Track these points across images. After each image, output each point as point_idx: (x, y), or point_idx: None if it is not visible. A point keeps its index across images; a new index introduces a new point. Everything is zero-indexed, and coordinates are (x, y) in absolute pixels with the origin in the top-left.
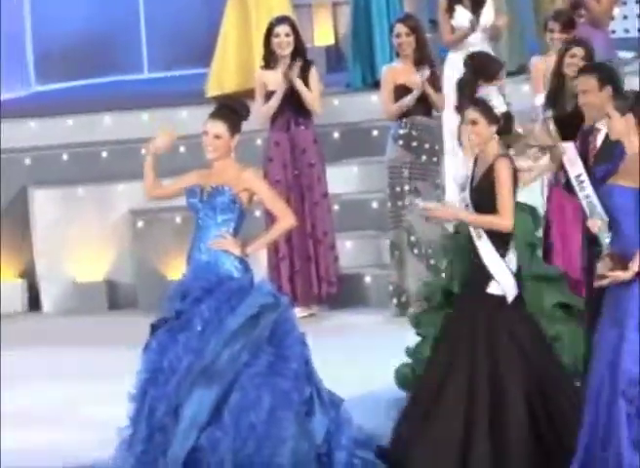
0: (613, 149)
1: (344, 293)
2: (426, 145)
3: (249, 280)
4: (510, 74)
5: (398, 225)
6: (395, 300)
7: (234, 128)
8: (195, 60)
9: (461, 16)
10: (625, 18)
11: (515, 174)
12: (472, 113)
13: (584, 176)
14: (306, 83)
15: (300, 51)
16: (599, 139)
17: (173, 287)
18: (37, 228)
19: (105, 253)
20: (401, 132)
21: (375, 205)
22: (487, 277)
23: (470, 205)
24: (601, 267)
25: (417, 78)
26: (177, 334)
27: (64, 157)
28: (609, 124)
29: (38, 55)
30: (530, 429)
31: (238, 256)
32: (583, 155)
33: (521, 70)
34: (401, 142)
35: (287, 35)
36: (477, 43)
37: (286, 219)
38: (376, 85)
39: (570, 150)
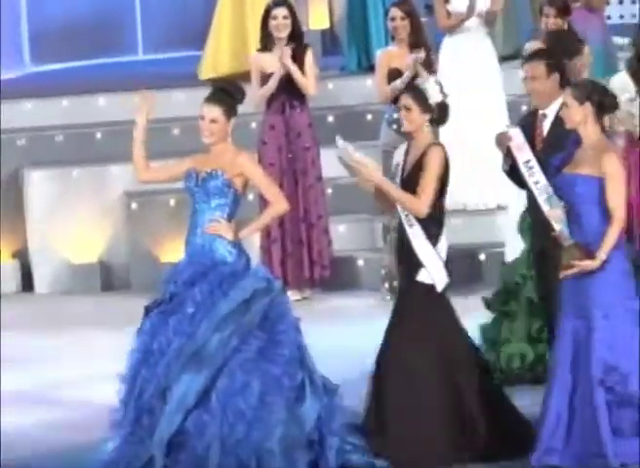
0: (561, 136)
1: (337, 277)
2: None
3: (243, 264)
4: (505, 59)
5: None
6: (387, 284)
7: (230, 111)
8: (190, 42)
9: (458, 1)
10: (621, 3)
11: (447, 163)
12: (406, 99)
13: (533, 162)
14: (303, 66)
15: (297, 34)
16: (545, 126)
17: (168, 269)
18: (31, 209)
19: (99, 235)
20: (395, 116)
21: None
22: (417, 265)
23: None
24: (566, 257)
25: (409, 59)
26: (168, 317)
27: (59, 138)
28: (565, 112)
29: (33, 35)
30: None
31: (232, 241)
32: (530, 141)
33: (516, 55)
34: (395, 126)
35: (284, 18)
36: (473, 28)
37: (278, 204)
38: (371, 69)
39: (517, 136)
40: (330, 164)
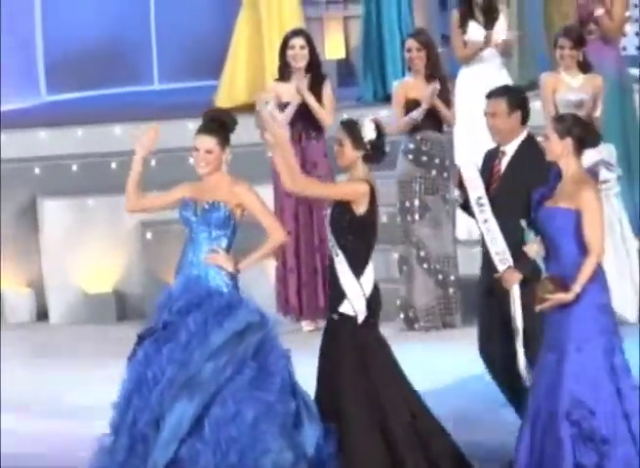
0: (519, 174)
1: None
2: (436, 160)
3: (237, 296)
4: None
5: (407, 240)
6: (402, 315)
7: (224, 141)
8: (206, 72)
9: (475, 31)
10: (637, 34)
11: (371, 199)
12: (339, 133)
13: (485, 200)
14: (320, 96)
15: (314, 64)
16: (504, 163)
17: (161, 297)
18: (46, 238)
19: (114, 264)
20: (411, 146)
21: (384, 219)
22: (341, 295)
23: (328, 225)
24: (540, 290)
25: (426, 90)
26: (162, 346)
27: (74, 167)
28: (546, 145)
29: (49, 65)
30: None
31: (228, 272)
32: (487, 178)
33: (532, 86)
34: (411, 157)
35: (302, 48)
36: (490, 58)
37: (276, 235)
38: (387, 99)
39: (471, 171)
40: None
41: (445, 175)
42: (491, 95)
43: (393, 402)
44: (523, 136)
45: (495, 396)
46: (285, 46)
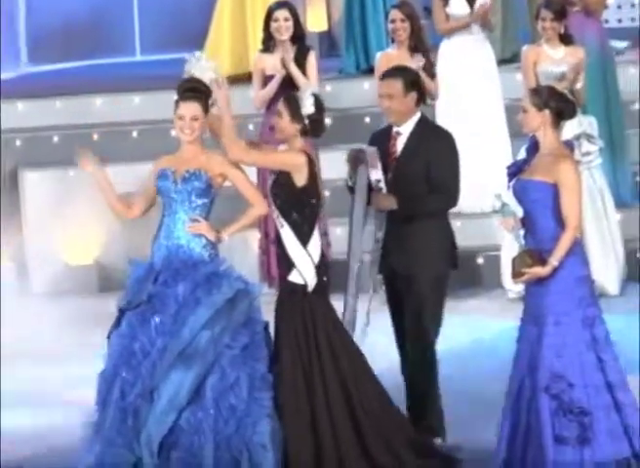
0: (414, 155)
1: (334, 279)
2: None
3: (221, 264)
4: (504, 62)
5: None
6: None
7: (206, 107)
8: (188, 44)
9: (456, 4)
10: (619, 7)
11: (310, 170)
12: (279, 104)
13: (383, 183)
14: (304, 68)
15: (299, 35)
16: (399, 144)
17: (140, 269)
18: (28, 209)
19: (96, 236)
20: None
21: None
22: (290, 265)
23: (270, 197)
24: (518, 264)
25: (411, 64)
26: (149, 317)
27: (55, 139)
28: (523, 118)
29: (30, 36)
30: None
31: (209, 241)
32: (383, 158)
33: (515, 58)
34: None
35: (286, 19)
36: (471, 30)
37: (258, 206)
38: (369, 71)
39: (373, 154)
40: (328, 166)
41: None
42: (385, 76)
43: (328, 381)
44: (417, 116)
45: (473, 366)
46: (269, 18)
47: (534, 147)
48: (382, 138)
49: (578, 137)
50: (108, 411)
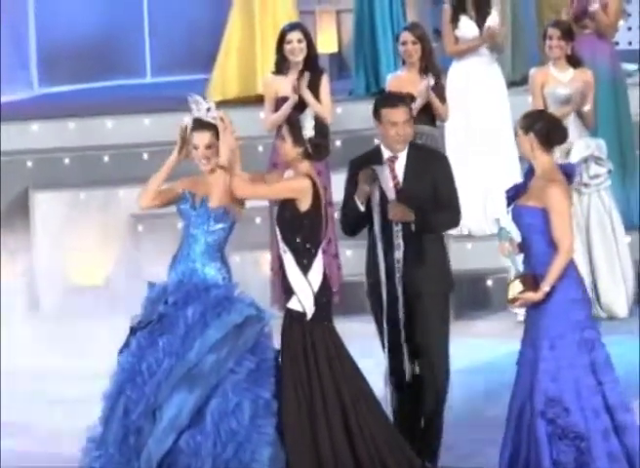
0: (416, 178)
1: (345, 301)
2: None
3: (234, 290)
4: (514, 84)
5: None
6: None
7: (217, 133)
8: (198, 66)
9: (466, 26)
10: (629, 29)
11: (315, 195)
12: (283, 129)
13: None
14: (317, 91)
15: (312, 57)
16: (399, 168)
17: (154, 290)
18: (38, 231)
19: (106, 257)
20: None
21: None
22: (291, 291)
23: (276, 223)
24: (511, 290)
25: (421, 85)
26: (157, 337)
27: (67, 160)
28: (517, 142)
29: (41, 58)
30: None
31: (224, 265)
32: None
33: (524, 81)
34: None
35: (299, 41)
36: (481, 53)
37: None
38: (379, 93)
39: (386, 174)
40: (339, 188)
41: None
42: (400, 103)
43: (329, 407)
44: None
45: (481, 389)
46: (282, 40)
47: (530, 171)
48: (373, 164)
49: (585, 160)
50: (111, 429)
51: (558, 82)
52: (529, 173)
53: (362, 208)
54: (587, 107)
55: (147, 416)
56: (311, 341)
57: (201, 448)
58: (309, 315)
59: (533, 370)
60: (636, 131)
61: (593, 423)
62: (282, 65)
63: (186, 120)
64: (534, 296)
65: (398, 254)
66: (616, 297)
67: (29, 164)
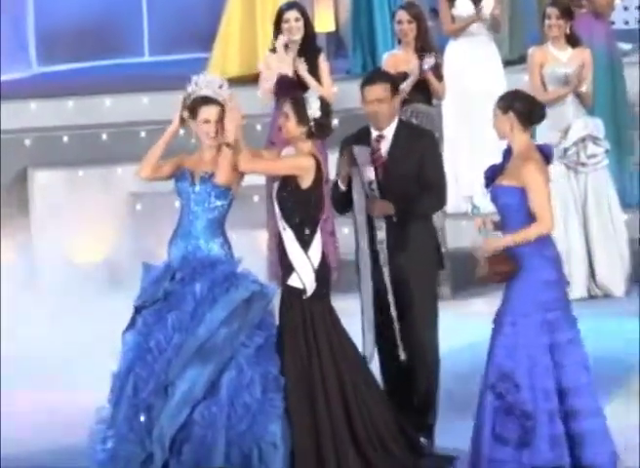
0: (401, 157)
1: (342, 279)
2: None
3: (237, 265)
4: (511, 63)
5: None
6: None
7: (224, 110)
8: (196, 44)
9: (462, 4)
10: (626, 9)
11: (320, 177)
12: (286, 106)
13: (375, 185)
14: (315, 67)
15: (309, 36)
16: (384, 147)
17: (156, 268)
18: (37, 208)
19: (104, 235)
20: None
21: None
22: (291, 268)
23: (275, 200)
24: (481, 268)
25: (423, 63)
26: (166, 314)
27: (65, 139)
28: (494, 122)
29: (40, 37)
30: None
31: (227, 241)
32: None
33: (521, 60)
34: None
35: (296, 20)
36: (478, 32)
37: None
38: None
39: (365, 153)
40: (334, 166)
41: None
42: (373, 80)
43: (327, 382)
44: (397, 119)
45: (480, 367)
46: (279, 19)
47: (508, 152)
48: (362, 143)
49: (583, 139)
50: (121, 408)
51: (557, 61)
52: (506, 153)
53: (343, 187)
54: (585, 87)
55: (158, 394)
56: (311, 319)
57: (216, 420)
58: (309, 291)
59: (492, 345)
60: (635, 111)
61: (541, 404)
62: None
63: (190, 89)
64: (494, 242)
65: (381, 235)
66: (612, 275)
67: (28, 142)
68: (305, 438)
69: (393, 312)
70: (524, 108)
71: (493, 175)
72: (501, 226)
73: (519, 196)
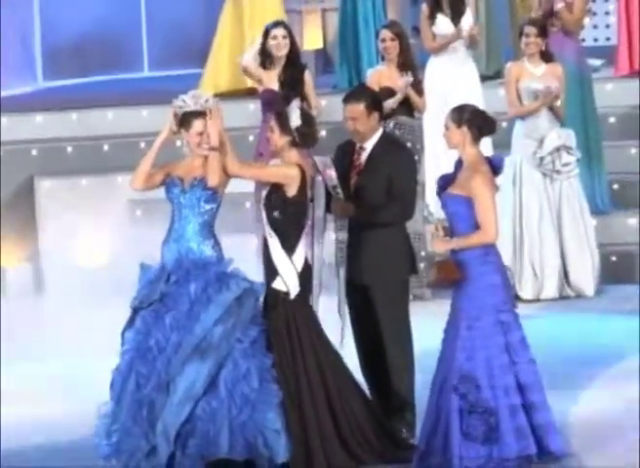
0: (376, 167)
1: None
2: (409, 144)
3: (227, 265)
4: (488, 78)
5: None
6: None
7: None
8: (192, 60)
9: (442, 23)
10: (595, 27)
11: (304, 185)
12: (271, 120)
13: (339, 189)
14: (300, 86)
15: (294, 54)
16: (363, 158)
17: (151, 271)
18: (42, 215)
19: (106, 240)
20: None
21: None
22: (275, 272)
23: (263, 207)
24: (434, 273)
25: (401, 82)
26: (164, 315)
27: (69, 149)
28: (445, 134)
29: (45, 53)
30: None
31: (217, 244)
32: (345, 170)
33: (498, 75)
34: None
35: (284, 37)
36: (457, 49)
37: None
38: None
39: (325, 163)
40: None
41: (416, 158)
42: (348, 99)
43: (311, 379)
44: (379, 132)
45: None
46: (267, 36)
47: (459, 162)
48: (348, 150)
49: (558, 149)
50: (124, 403)
51: (532, 76)
52: (457, 164)
53: (309, 194)
54: (559, 102)
55: (160, 389)
56: (294, 319)
57: (217, 414)
58: (293, 294)
59: (452, 348)
60: (607, 122)
61: (502, 400)
62: (266, 60)
63: (179, 104)
64: (439, 242)
65: (342, 235)
66: (584, 276)
67: (34, 153)
68: (293, 432)
69: (343, 308)
70: (477, 123)
71: (445, 184)
72: (450, 233)
73: (466, 205)
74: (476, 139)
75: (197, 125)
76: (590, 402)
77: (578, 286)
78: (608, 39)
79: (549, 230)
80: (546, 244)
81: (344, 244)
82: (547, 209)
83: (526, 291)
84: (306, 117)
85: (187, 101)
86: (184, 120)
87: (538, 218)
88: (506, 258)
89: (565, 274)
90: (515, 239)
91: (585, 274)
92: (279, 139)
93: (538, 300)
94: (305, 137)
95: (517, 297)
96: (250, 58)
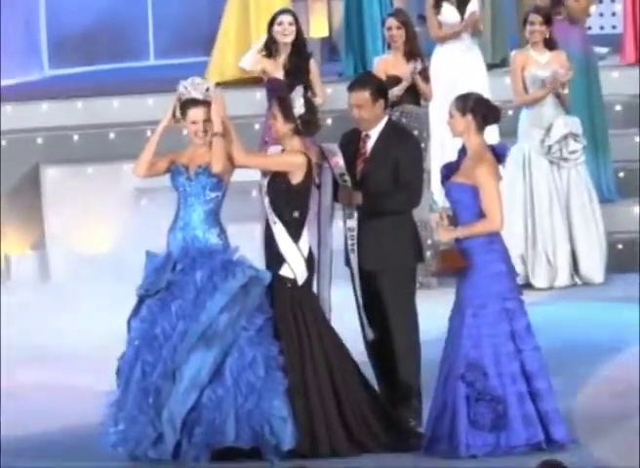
0: (382, 155)
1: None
2: (415, 132)
3: (233, 253)
4: (493, 66)
5: None
6: None
7: (210, 110)
8: (198, 49)
9: (448, 11)
10: (601, 15)
11: (310, 173)
12: (274, 107)
13: (347, 177)
14: (306, 71)
15: (300, 42)
16: (369, 146)
17: (157, 259)
18: (48, 203)
19: (111, 228)
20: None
21: None
22: (281, 259)
23: (265, 194)
24: (436, 261)
25: (406, 70)
26: (170, 303)
27: (75, 137)
28: (450, 122)
29: (51, 42)
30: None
31: (223, 232)
32: (351, 158)
33: (503, 63)
34: None
35: (290, 24)
36: (462, 37)
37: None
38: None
39: (332, 151)
40: None
41: (422, 145)
42: (353, 87)
43: (317, 366)
44: (385, 119)
45: None
46: (273, 22)
47: (463, 151)
48: (354, 138)
49: (565, 137)
50: (130, 391)
51: (537, 64)
52: (461, 152)
53: (317, 180)
54: (566, 90)
55: (166, 377)
56: (299, 305)
57: (223, 402)
58: (300, 281)
59: (458, 336)
60: (613, 110)
61: (510, 388)
62: (271, 47)
63: (180, 91)
64: (445, 232)
65: (350, 223)
66: (593, 264)
67: (40, 141)
68: (299, 419)
69: (359, 297)
70: (481, 111)
71: (448, 172)
72: (454, 221)
73: (470, 193)
74: (480, 128)
75: (192, 113)
76: (596, 388)
77: (587, 273)
78: (614, 27)
79: (558, 219)
80: (557, 232)
81: (354, 231)
82: (556, 197)
83: (539, 279)
84: (310, 105)
85: (188, 87)
86: (182, 108)
87: (548, 207)
88: (519, 247)
89: (574, 261)
90: (527, 227)
91: (594, 261)
92: (282, 127)
93: (551, 288)
94: (308, 125)
95: (529, 286)
96: (250, 58)
